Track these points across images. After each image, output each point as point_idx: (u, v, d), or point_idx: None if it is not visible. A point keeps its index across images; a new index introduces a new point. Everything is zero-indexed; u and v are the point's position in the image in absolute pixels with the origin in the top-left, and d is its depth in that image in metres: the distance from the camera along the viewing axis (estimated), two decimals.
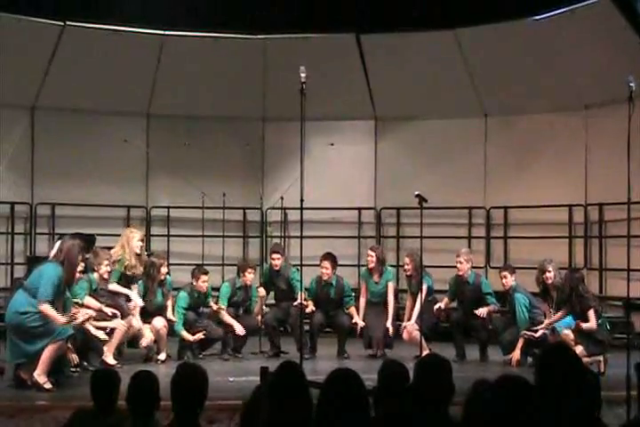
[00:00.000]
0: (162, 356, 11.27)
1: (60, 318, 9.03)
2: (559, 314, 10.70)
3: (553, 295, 10.98)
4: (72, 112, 14.76)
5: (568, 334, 10.44)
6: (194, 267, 11.92)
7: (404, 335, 11.67)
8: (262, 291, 12.12)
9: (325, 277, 12.01)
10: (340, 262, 12.25)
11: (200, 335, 11.33)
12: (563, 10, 13.35)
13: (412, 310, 11.86)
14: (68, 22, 14.10)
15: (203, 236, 14.26)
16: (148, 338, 11.08)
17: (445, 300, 11.89)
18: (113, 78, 14.56)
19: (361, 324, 11.95)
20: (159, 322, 11.29)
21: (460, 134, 15.09)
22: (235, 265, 12.41)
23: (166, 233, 15.22)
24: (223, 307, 11.70)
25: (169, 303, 11.51)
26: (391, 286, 12.16)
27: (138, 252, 11.25)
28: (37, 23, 13.86)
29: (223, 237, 14.36)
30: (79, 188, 14.61)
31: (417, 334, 11.13)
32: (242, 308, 12.01)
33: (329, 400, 4.28)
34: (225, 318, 11.73)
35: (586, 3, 13.05)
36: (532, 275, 11.42)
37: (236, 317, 11.80)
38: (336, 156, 15.61)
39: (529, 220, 14.17)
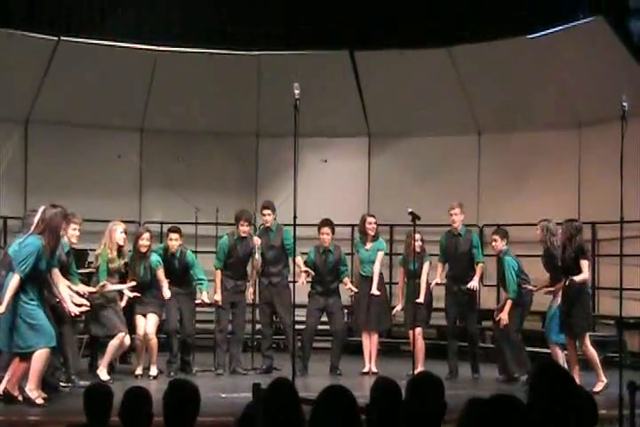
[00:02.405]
0: (153, 371, 11.15)
1: (8, 300, 8.67)
2: (559, 285, 10.50)
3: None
4: (66, 126, 14.75)
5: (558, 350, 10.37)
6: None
7: (411, 336, 11.55)
8: (257, 239, 11.93)
9: (326, 244, 12.02)
10: None
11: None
12: (557, 28, 13.42)
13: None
14: (62, 37, 14.14)
15: (196, 251, 14.20)
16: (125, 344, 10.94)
17: (439, 268, 11.88)
18: (107, 93, 14.55)
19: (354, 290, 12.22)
20: (151, 325, 11.18)
21: (453, 151, 15.11)
22: None
23: None
24: (217, 299, 11.72)
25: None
26: (380, 255, 12.19)
27: (121, 244, 11.08)
28: (32, 38, 13.87)
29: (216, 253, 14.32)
30: (72, 202, 14.35)
31: (421, 343, 11.30)
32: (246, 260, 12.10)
33: (321, 417, 4.26)
34: (216, 281, 11.86)
35: (580, 22, 13.13)
36: None
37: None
38: (330, 172, 15.61)
39: (522, 238, 14.13)
